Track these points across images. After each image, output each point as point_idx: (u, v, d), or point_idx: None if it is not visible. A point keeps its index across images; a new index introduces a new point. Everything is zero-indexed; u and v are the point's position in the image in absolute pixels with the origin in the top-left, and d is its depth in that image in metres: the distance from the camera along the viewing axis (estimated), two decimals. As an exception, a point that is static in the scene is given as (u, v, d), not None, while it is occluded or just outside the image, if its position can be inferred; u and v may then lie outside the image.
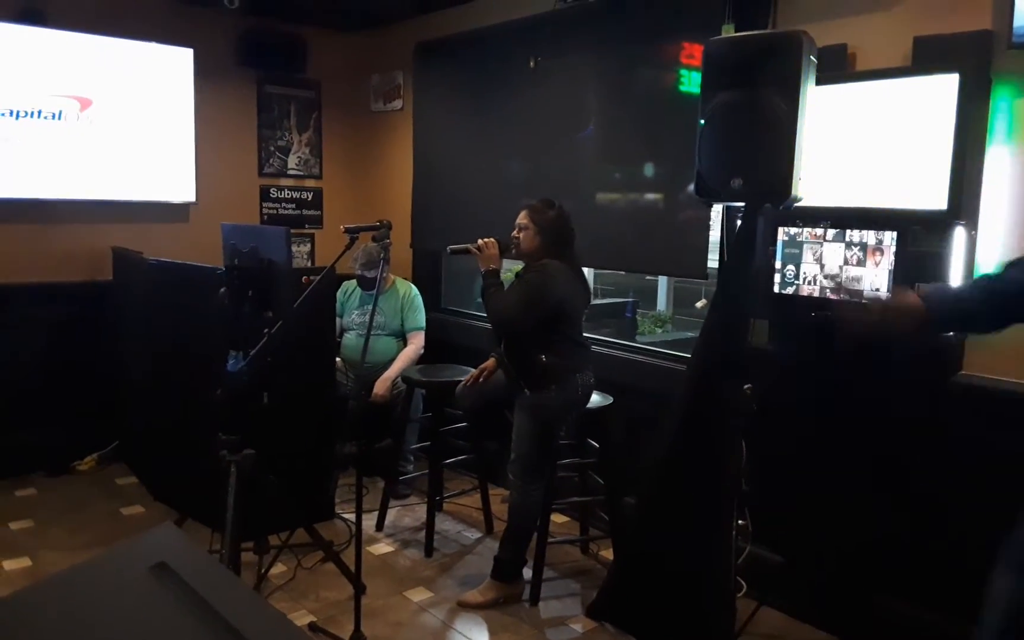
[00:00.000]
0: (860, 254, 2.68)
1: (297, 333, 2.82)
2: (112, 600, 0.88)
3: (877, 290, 2.62)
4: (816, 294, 2.80)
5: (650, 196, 3.74)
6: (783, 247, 2.86)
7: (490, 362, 3.37)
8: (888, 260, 2.63)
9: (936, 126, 2.52)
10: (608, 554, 3.51)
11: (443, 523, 3.86)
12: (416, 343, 4.31)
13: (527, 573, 3.20)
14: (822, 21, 2.88)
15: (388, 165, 5.24)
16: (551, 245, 3.04)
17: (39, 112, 4.14)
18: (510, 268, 3.70)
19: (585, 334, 3.28)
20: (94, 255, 4.44)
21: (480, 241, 3.07)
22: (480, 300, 3.18)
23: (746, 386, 2.59)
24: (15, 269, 4.21)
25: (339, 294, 4.39)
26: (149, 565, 0.89)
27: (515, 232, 3.09)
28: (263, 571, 3.00)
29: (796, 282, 2.84)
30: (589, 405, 3.22)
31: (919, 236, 2.59)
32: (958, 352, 2.68)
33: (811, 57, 2.34)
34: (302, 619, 2.92)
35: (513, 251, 3.10)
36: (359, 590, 2.68)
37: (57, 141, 4.21)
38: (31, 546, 3.49)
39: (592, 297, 3.57)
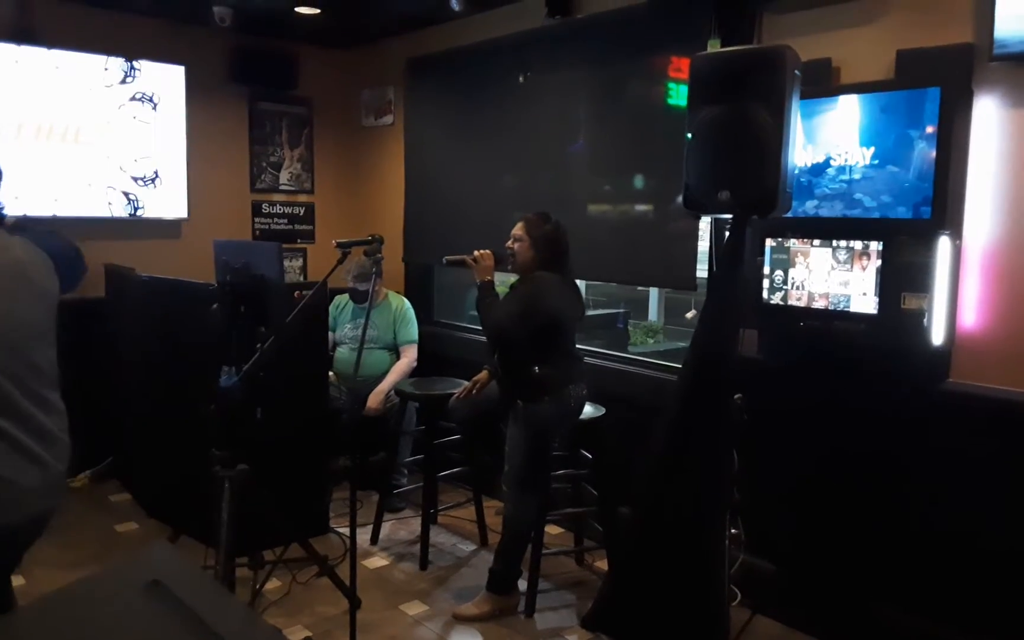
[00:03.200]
0: (847, 258, 2.73)
1: (290, 348, 2.82)
2: (107, 619, 0.89)
3: (864, 295, 2.68)
4: (804, 301, 2.84)
5: (639, 208, 3.77)
6: (771, 253, 2.92)
7: (483, 374, 3.38)
8: (875, 265, 2.67)
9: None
10: (602, 565, 3.52)
11: (438, 536, 3.86)
12: (409, 356, 4.31)
13: (522, 585, 3.21)
14: (807, 36, 2.92)
15: (379, 180, 5.26)
16: (546, 258, 3.06)
17: (30, 129, 4.15)
18: (504, 280, 3.72)
19: (578, 346, 3.30)
20: (87, 272, 4.43)
21: (476, 253, 3.09)
22: (474, 312, 3.20)
23: (736, 395, 2.61)
24: (7, 287, 4.20)
25: (331, 308, 4.39)
26: (143, 583, 0.90)
27: (510, 244, 3.11)
28: (258, 587, 2.99)
29: (784, 287, 2.88)
30: (582, 416, 3.23)
31: (904, 245, 2.62)
32: (946, 360, 2.71)
33: (796, 71, 2.37)
34: (297, 635, 2.92)
35: (509, 264, 3.13)
36: (354, 604, 2.68)
37: (48, 158, 4.21)
38: (24, 564, 3.43)
39: (585, 309, 3.58)
